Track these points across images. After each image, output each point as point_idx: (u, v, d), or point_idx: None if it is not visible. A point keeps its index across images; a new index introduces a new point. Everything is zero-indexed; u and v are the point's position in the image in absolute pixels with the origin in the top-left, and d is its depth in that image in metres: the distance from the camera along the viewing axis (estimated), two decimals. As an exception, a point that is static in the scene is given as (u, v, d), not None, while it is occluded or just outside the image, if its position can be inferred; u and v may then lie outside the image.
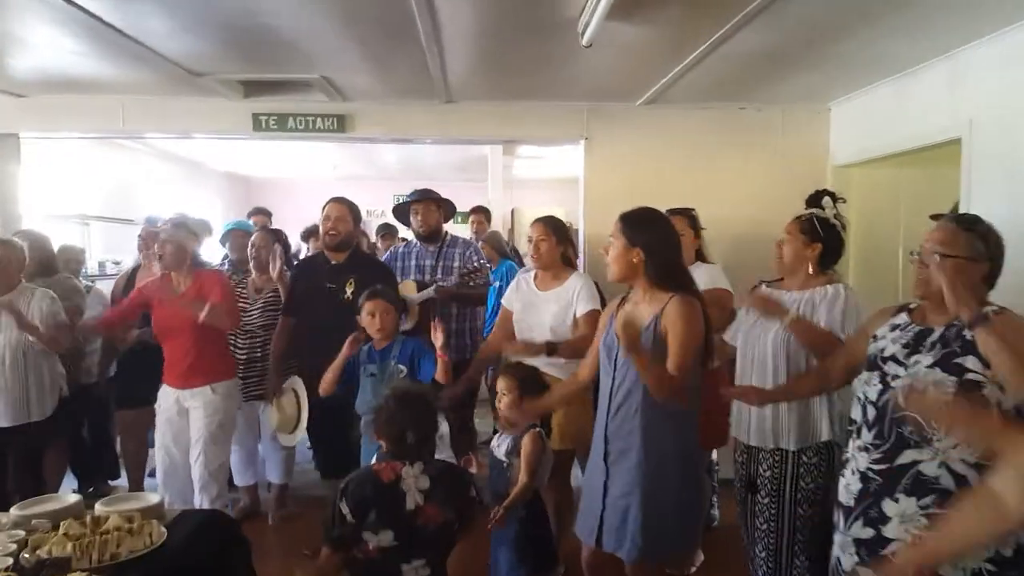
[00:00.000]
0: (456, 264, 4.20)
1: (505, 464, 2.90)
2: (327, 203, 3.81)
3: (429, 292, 3.97)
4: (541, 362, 3.14)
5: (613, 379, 2.44)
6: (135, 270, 4.39)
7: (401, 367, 3.15)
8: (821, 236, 2.73)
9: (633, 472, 2.38)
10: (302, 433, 3.85)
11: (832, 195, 2.83)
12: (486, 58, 3.74)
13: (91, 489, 4.65)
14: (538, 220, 3.43)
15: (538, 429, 2.88)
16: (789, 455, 2.69)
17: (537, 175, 10.46)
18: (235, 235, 4.57)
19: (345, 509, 2.24)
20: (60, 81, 4.15)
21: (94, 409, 4.50)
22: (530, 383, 2.93)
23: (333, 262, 3.75)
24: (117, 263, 6.76)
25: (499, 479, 2.90)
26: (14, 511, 2.33)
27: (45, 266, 4.06)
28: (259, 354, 4.06)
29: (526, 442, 2.83)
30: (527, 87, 4.38)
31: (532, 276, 3.47)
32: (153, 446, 3.94)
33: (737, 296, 3.33)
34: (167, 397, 3.56)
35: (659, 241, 2.47)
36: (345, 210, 3.75)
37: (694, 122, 4.77)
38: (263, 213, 6.22)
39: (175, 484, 3.56)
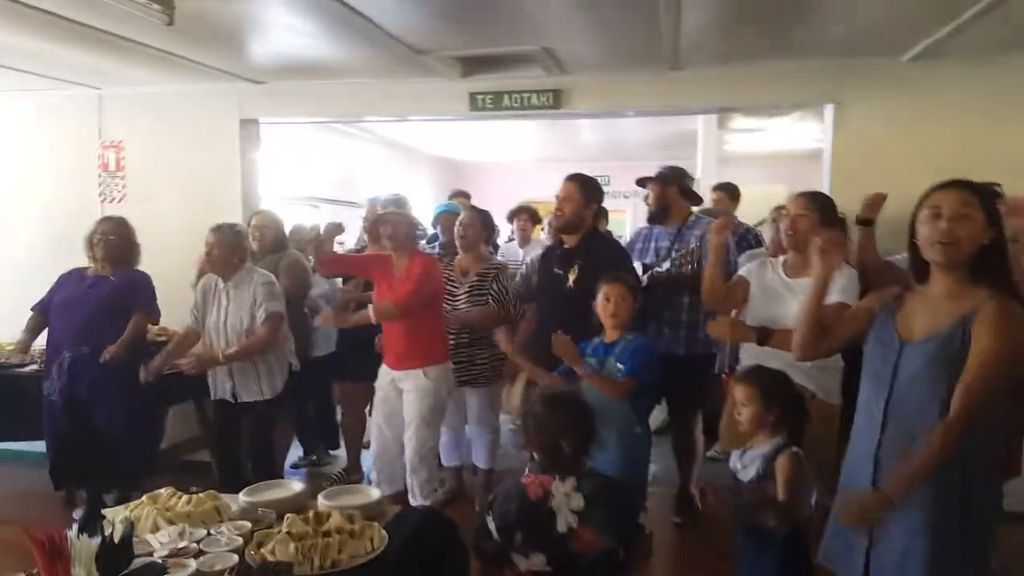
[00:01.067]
0: (693, 246, 3.72)
1: (754, 487, 2.49)
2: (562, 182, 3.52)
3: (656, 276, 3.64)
4: (780, 363, 2.71)
5: (891, 391, 1.96)
6: (359, 252, 4.47)
7: (620, 365, 2.87)
8: None
9: (919, 510, 1.91)
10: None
11: None
12: (726, 10, 3.33)
13: (313, 457, 4.89)
14: (801, 194, 2.96)
15: (795, 450, 2.41)
16: None
17: (752, 150, 9.71)
18: (445, 217, 4.53)
19: (491, 526, 2.02)
20: (293, 66, 4.30)
21: (319, 381, 4.68)
22: (776, 393, 2.47)
23: (565, 245, 3.49)
24: (341, 243, 7.10)
25: (746, 508, 2.51)
26: (243, 497, 2.36)
27: (277, 243, 4.26)
28: (466, 339, 3.96)
29: (784, 464, 2.39)
30: (766, 45, 3.90)
31: (781, 261, 3.02)
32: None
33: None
34: (384, 376, 3.60)
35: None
36: (574, 188, 3.41)
37: (978, 81, 3.96)
38: (463, 195, 6.21)
39: (386, 464, 3.59)
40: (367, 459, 4.39)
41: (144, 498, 2.25)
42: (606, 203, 4.02)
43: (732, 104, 4.61)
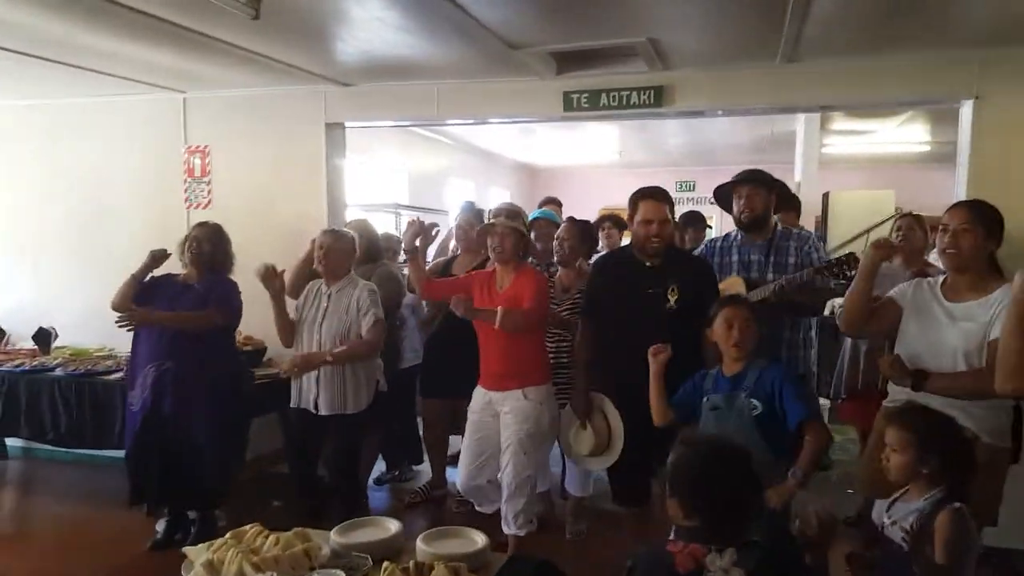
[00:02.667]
0: (792, 261, 3.36)
1: (905, 549, 2.12)
2: (639, 201, 3.09)
3: (764, 292, 3.22)
4: (939, 400, 2.33)
5: None
6: (450, 262, 4.26)
7: (754, 402, 2.49)
8: None
9: None
10: (614, 458, 3.35)
11: None
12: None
13: (396, 473, 4.71)
14: (962, 204, 2.57)
15: (958, 506, 2.02)
16: None
17: (854, 153, 9.14)
18: (539, 224, 4.27)
19: None
20: (381, 67, 4.13)
21: (404, 394, 4.50)
22: (938, 441, 2.07)
23: (648, 264, 3.10)
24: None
25: (898, 569, 2.13)
26: (335, 537, 2.15)
27: (371, 254, 4.09)
28: (565, 359, 3.69)
29: (945, 524, 2.01)
30: (897, 36, 3.51)
31: (940, 281, 2.61)
32: (455, 434, 3.81)
33: None
34: (479, 397, 3.34)
35: None
36: (667, 209, 3.07)
37: None
38: (555, 203, 5.95)
39: (479, 492, 3.34)
40: (452, 474, 4.18)
41: (228, 537, 2.06)
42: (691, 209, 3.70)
43: (853, 101, 4.18)
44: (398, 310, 4.18)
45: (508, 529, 3.23)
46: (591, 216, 5.56)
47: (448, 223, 5.21)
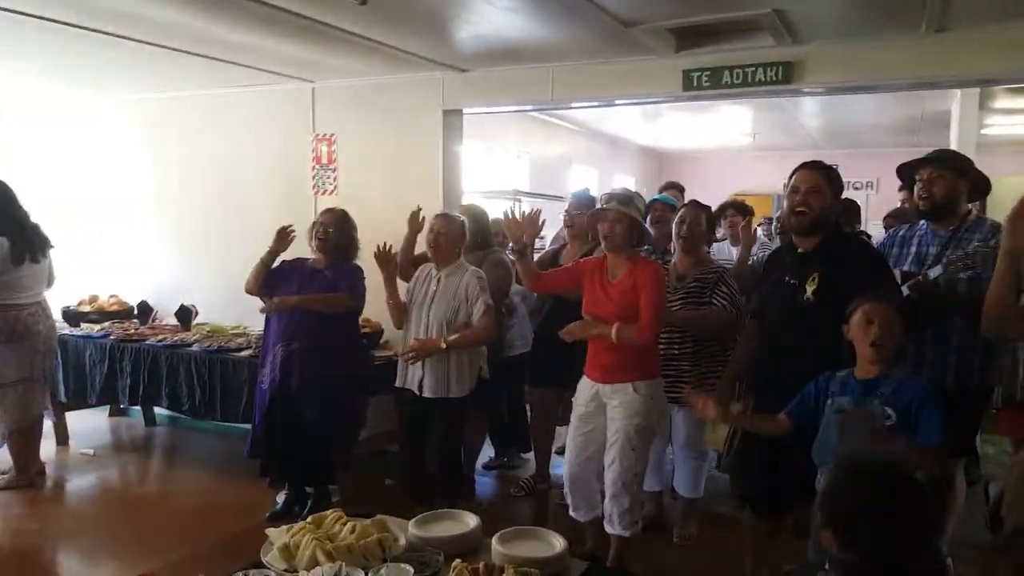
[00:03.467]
0: (975, 247, 2.88)
1: None
2: (795, 172, 2.81)
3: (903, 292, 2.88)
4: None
5: None
6: (557, 251, 4.18)
7: (888, 411, 2.24)
8: None
9: None
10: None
11: None
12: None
13: (505, 459, 4.72)
14: None
15: None
16: None
17: (1017, 135, 8.25)
18: (655, 208, 4.11)
19: None
20: (494, 51, 4.11)
21: (512, 382, 4.49)
22: None
23: (800, 250, 2.80)
24: (542, 238, 6.92)
25: None
26: (412, 529, 2.14)
27: (481, 239, 4.08)
28: (676, 351, 3.52)
29: None
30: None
31: None
32: (563, 425, 3.74)
33: None
34: (585, 390, 3.21)
35: None
36: (821, 180, 2.73)
37: None
38: (676, 188, 5.72)
39: (582, 488, 3.22)
40: (557, 465, 4.13)
41: (308, 521, 2.08)
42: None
43: (1012, 74, 3.71)
44: (507, 297, 4.15)
45: (611, 529, 3.10)
46: (720, 203, 5.34)
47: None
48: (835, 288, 2.55)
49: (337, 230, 3.85)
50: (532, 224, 3.34)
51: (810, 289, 2.66)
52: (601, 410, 3.14)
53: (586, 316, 3.16)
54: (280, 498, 3.94)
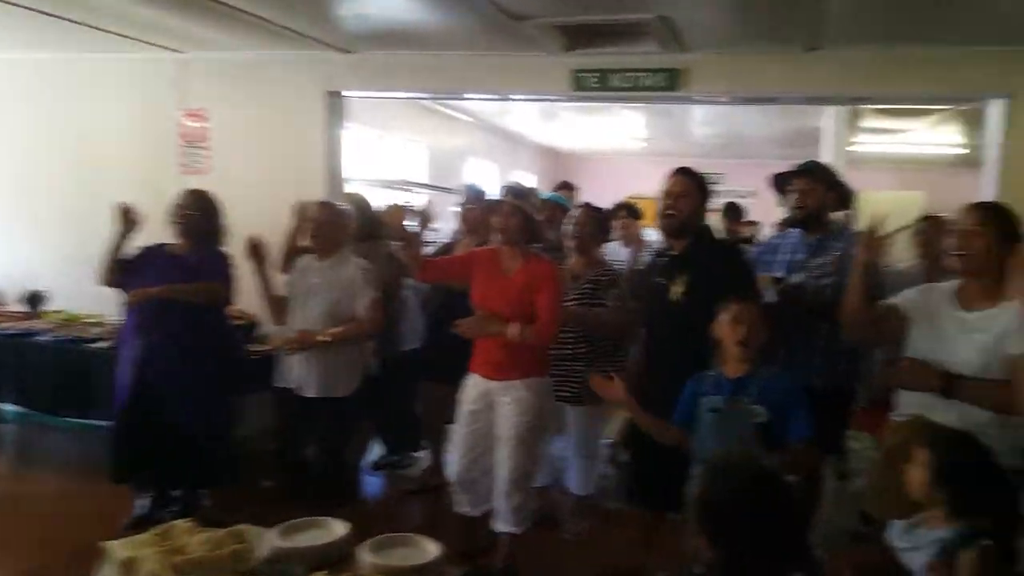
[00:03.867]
0: (829, 262, 3.06)
1: None
2: (669, 175, 2.93)
3: (772, 297, 2.99)
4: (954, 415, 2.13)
5: None
6: (451, 246, 4.05)
7: (759, 409, 2.30)
8: None
9: None
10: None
11: None
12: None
13: (395, 458, 4.58)
14: (975, 205, 2.35)
15: (988, 543, 1.78)
16: None
17: (883, 153, 8.80)
18: (551, 209, 4.08)
19: None
20: (382, 34, 3.97)
21: (404, 377, 4.37)
22: (961, 459, 1.88)
23: (673, 252, 2.90)
24: (435, 231, 6.79)
25: None
26: (274, 539, 1.98)
27: (370, 230, 3.89)
28: (570, 351, 3.49)
29: (970, 564, 1.80)
30: (926, 24, 3.27)
31: (954, 287, 2.40)
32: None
33: None
34: (473, 387, 3.12)
35: None
36: (690, 185, 2.86)
37: None
38: (569, 188, 5.74)
39: (473, 486, 3.14)
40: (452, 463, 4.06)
41: (154, 532, 1.91)
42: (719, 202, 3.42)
43: (878, 94, 3.92)
44: (399, 291, 4.01)
45: (502, 526, 3.04)
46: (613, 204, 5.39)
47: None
48: (700, 289, 2.63)
49: (199, 212, 3.51)
50: (425, 217, 3.34)
51: (678, 290, 2.76)
52: (490, 407, 3.07)
53: (477, 310, 3.09)
54: (142, 503, 3.63)
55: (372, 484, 4.35)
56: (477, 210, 3.79)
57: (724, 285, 2.59)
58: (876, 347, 2.65)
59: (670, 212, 2.83)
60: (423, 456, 4.42)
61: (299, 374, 3.39)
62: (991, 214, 2.27)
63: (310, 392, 3.37)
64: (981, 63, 3.50)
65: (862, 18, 3.23)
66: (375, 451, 4.52)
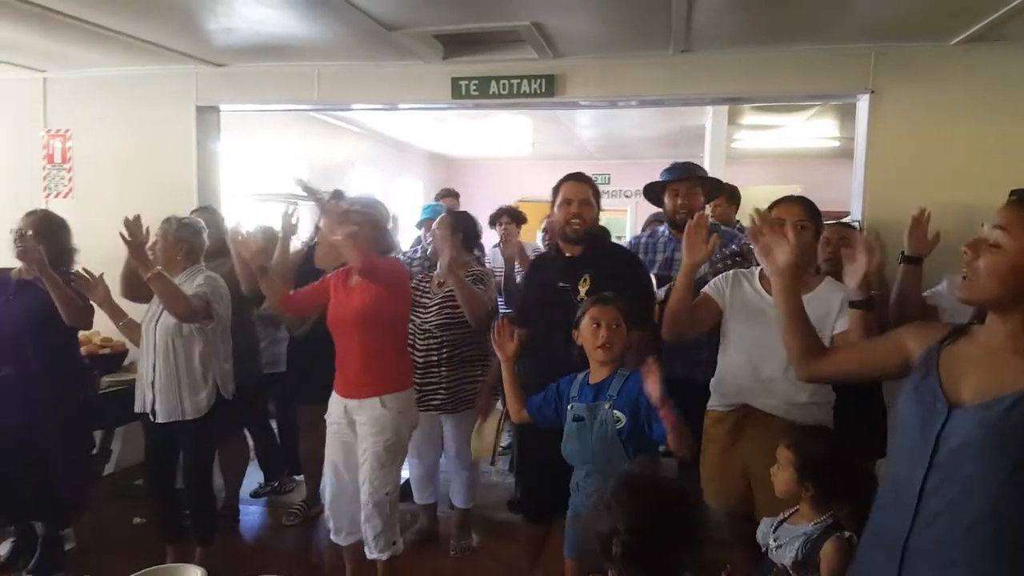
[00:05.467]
0: (712, 260, 3.17)
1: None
2: (562, 182, 2.97)
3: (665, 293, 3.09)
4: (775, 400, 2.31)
5: (931, 465, 1.39)
6: (312, 248, 3.92)
7: (617, 414, 2.28)
8: None
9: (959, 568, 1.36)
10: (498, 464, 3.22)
11: None
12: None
13: (275, 484, 4.40)
14: (793, 200, 2.53)
15: (847, 535, 1.90)
16: None
17: (762, 148, 9.22)
18: (427, 224, 4.04)
19: None
20: (255, 46, 3.82)
21: (279, 400, 4.20)
22: (818, 467, 1.98)
23: (567, 255, 2.97)
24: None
25: None
26: None
27: (222, 245, 3.63)
28: (435, 358, 3.47)
29: (831, 554, 1.90)
30: (792, 26, 3.42)
31: (757, 275, 2.54)
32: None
33: None
34: (336, 406, 3.02)
35: None
36: (589, 191, 2.93)
37: None
38: (452, 195, 5.70)
39: (343, 508, 3.04)
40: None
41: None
42: (605, 202, 3.45)
43: (748, 93, 4.06)
44: (259, 307, 3.85)
45: (370, 554, 2.94)
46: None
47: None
48: (603, 287, 2.66)
49: (40, 235, 3.29)
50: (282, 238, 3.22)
51: (583, 290, 2.81)
52: (351, 427, 2.98)
53: (330, 325, 3.01)
54: (3, 549, 3.35)
55: (251, 515, 4.15)
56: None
57: (622, 281, 2.69)
58: (691, 338, 2.78)
59: (576, 221, 2.87)
60: (303, 480, 4.23)
61: (147, 394, 3.23)
62: (808, 209, 2.49)
63: (160, 417, 3.21)
64: (846, 62, 3.68)
65: (729, 23, 3.35)
66: (255, 478, 4.34)
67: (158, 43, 3.76)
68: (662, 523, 1.51)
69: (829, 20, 3.27)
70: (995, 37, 3.36)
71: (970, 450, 1.35)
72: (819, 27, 3.38)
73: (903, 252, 2.80)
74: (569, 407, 2.40)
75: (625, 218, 11.11)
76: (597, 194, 2.98)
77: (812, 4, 3.07)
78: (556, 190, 2.97)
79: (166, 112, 4.33)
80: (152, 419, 3.22)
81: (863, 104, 3.74)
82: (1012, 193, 2.57)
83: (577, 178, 2.96)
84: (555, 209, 2.95)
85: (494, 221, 4.83)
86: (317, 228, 3.93)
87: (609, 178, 11.46)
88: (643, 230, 4.43)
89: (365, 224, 2.93)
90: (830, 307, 2.36)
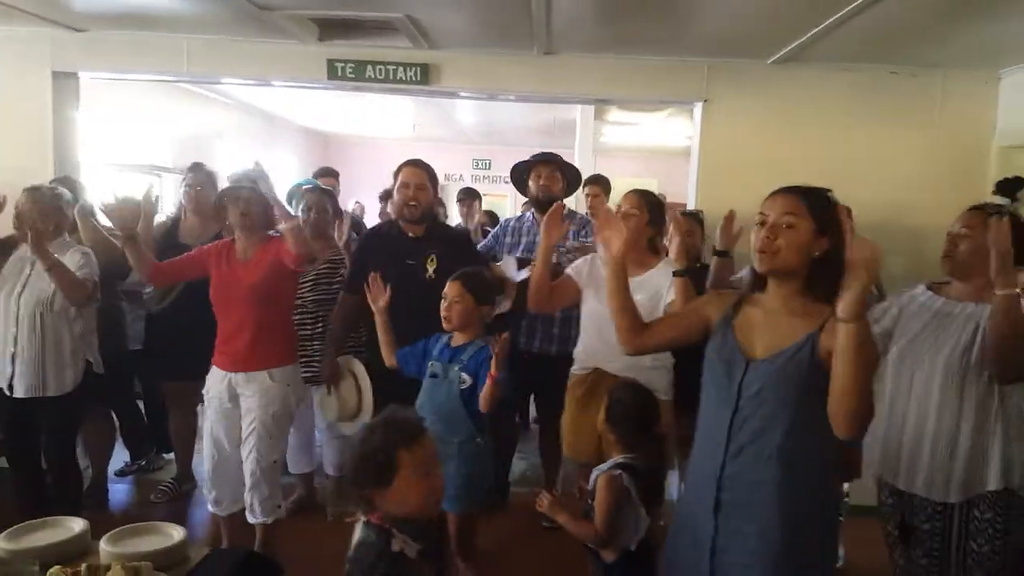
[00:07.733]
0: (566, 244, 3.50)
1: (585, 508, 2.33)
2: (402, 167, 3.25)
3: (523, 275, 3.36)
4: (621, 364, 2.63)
5: (736, 408, 1.76)
6: (176, 223, 3.89)
7: (465, 376, 2.61)
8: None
9: (756, 539, 1.75)
10: (367, 418, 3.34)
11: None
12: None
13: (143, 462, 4.34)
14: (633, 191, 2.89)
15: (617, 473, 2.23)
16: (955, 509, 2.21)
17: (627, 143, 9.74)
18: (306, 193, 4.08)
19: None
20: (117, 12, 3.74)
21: (145, 376, 4.15)
22: (625, 402, 2.35)
23: (411, 235, 3.24)
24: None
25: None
26: (2, 542, 1.90)
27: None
28: (308, 332, 3.60)
29: (599, 488, 2.23)
30: (639, 39, 3.76)
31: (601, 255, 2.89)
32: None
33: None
34: (217, 381, 3.07)
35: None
36: (425, 176, 3.21)
37: (835, 86, 4.09)
38: (330, 175, 5.73)
39: (225, 480, 3.11)
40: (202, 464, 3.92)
41: None
42: (487, 187, 3.73)
43: (604, 95, 4.44)
44: (123, 281, 3.80)
45: (253, 518, 3.05)
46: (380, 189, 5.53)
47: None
48: (446, 264, 2.97)
49: None
50: (146, 211, 3.11)
51: (431, 268, 3.11)
52: (235, 399, 3.06)
53: (215, 304, 3.06)
54: None
55: (118, 492, 4.09)
56: (205, 192, 3.74)
57: (462, 259, 2.99)
58: (553, 313, 3.26)
59: (413, 203, 3.16)
60: (172, 459, 4.21)
61: (6, 371, 3.15)
62: (644, 199, 2.85)
63: (20, 392, 3.15)
64: (686, 73, 4.11)
65: (585, 31, 3.65)
66: (121, 457, 4.25)
67: (8, 3, 3.58)
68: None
69: (671, 34, 3.64)
70: (804, 59, 3.88)
71: (765, 393, 1.73)
72: (663, 40, 3.75)
73: (715, 246, 3.21)
74: (430, 364, 2.68)
75: (505, 203, 11.40)
76: (434, 179, 3.29)
77: (656, 19, 3.40)
78: (396, 174, 3.25)
79: (17, 76, 4.13)
80: (9, 393, 3.14)
81: (698, 110, 4.21)
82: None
83: (415, 164, 3.26)
84: (395, 192, 3.23)
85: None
86: (182, 203, 3.92)
87: (490, 163, 11.72)
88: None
89: (257, 202, 2.98)
90: (661, 284, 2.73)
